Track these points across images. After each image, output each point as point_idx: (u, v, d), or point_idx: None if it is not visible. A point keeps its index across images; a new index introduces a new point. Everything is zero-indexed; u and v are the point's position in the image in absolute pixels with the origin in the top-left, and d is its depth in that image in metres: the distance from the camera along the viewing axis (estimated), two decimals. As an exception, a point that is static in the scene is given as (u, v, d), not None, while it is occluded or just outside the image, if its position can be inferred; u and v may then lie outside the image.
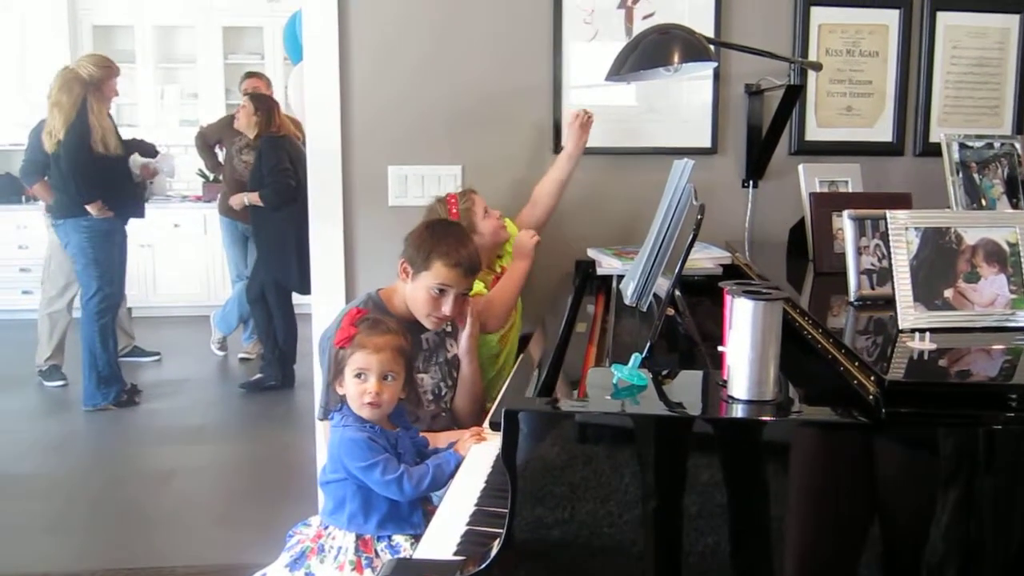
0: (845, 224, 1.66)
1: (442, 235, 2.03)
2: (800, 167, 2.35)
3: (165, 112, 6.71)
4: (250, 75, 5.24)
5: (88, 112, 4.14)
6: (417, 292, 2.01)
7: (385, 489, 1.70)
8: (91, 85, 4.17)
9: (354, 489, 1.74)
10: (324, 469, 1.82)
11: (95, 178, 4.21)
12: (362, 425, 1.74)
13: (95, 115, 4.17)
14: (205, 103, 6.57)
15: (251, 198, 4.55)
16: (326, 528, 1.79)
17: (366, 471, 1.70)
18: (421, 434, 1.90)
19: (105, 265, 4.38)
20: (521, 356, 2.36)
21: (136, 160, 4.70)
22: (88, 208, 4.23)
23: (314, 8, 2.54)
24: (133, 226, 4.68)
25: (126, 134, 4.87)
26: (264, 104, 4.53)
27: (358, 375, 1.74)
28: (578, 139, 2.44)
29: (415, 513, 1.77)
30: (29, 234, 6.15)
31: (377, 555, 1.74)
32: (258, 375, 4.81)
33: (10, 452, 3.87)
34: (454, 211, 2.33)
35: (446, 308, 1.99)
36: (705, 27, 2.47)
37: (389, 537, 1.76)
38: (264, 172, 4.46)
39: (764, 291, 1.21)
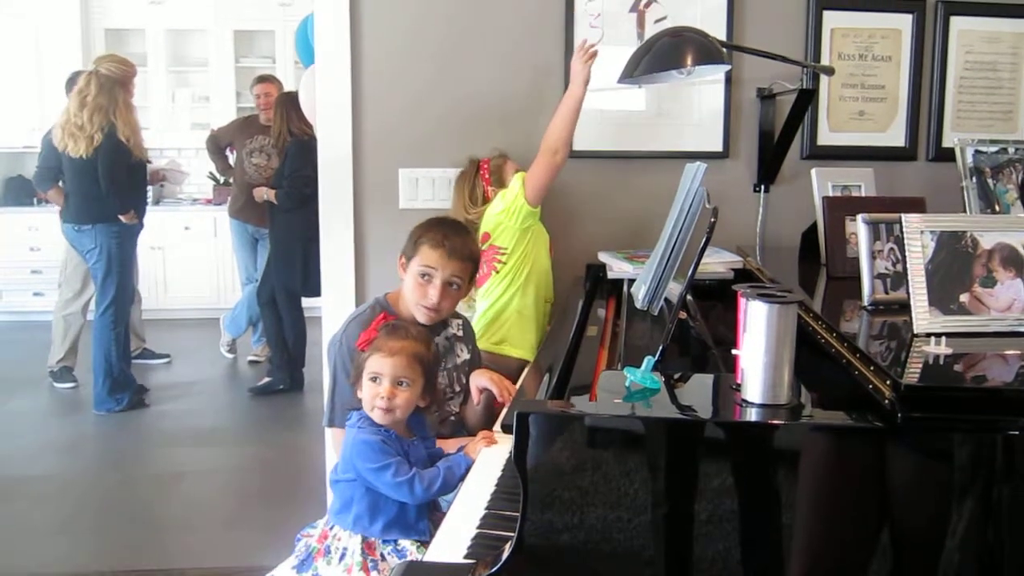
0: (859, 228, 1.65)
1: (435, 224, 2.05)
2: (813, 171, 2.34)
3: (176, 115, 6.74)
4: (261, 79, 5.25)
5: (127, 113, 4.16)
6: (408, 281, 2.01)
7: (396, 491, 1.70)
8: (125, 85, 4.19)
9: (363, 491, 1.74)
10: (335, 468, 1.82)
11: (130, 184, 4.23)
12: (376, 429, 1.74)
13: (133, 115, 4.20)
14: (216, 106, 6.59)
15: (270, 194, 4.61)
16: (332, 528, 1.78)
17: (377, 473, 1.69)
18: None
19: (128, 271, 4.40)
20: (530, 364, 2.36)
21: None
22: (121, 216, 4.24)
23: (326, 12, 2.54)
24: (143, 229, 4.69)
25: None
26: (293, 104, 4.51)
27: (373, 378, 1.75)
28: (581, 74, 2.29)
29: (421, 521, 1.76)
30: (41, 236, 6.18)
31: (383, 558, 1.74)
32: (266, 379, 4.81)
33: (21, 453, 3.88)
34: (486, 176, 2.45)
35: (432, 294, 1.97)
36: (717, 31, 2.45)
37: (395, 541, 1.76)
38: (285, 173, 4.52)
39: (779, 294, 1.21)
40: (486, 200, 2.45)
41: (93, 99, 4.11)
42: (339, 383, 1.97)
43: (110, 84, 4.14)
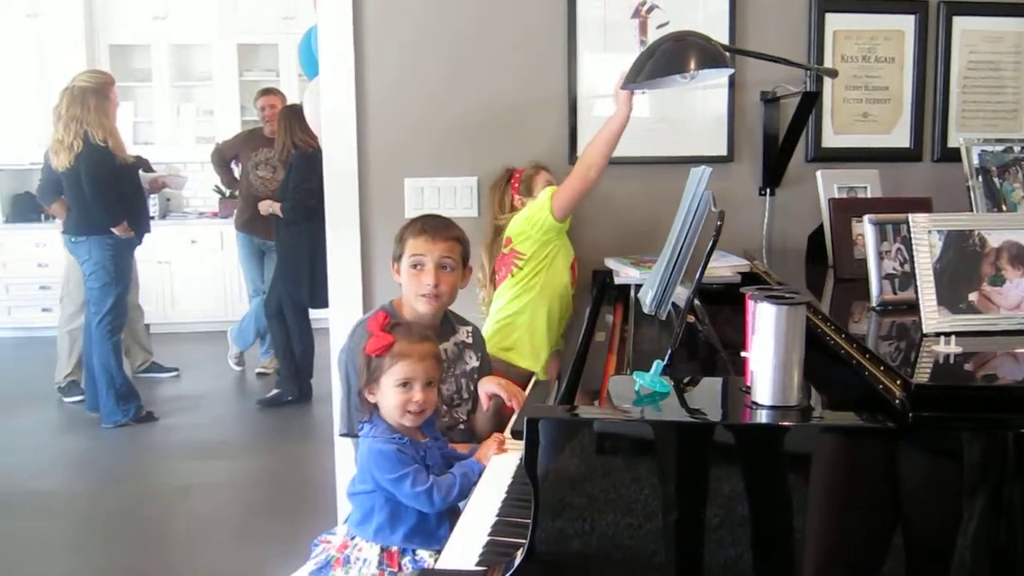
0: (866, 229, 1.65)
1: (413, 220, 2.09)
2: (819, 173, 2.34)
3: (181, 130, 6.76)
4: (265, 91, 5.28)
5: (100, 117, 4.17)
6: (404, 280, 2.03)
7: (415, 501, 1.69)
8: (99, 92, 4.20)
9: (382, 501, 1.73)
10: (353, 480, 1.81)
11: (118, 195, 4.24)
12: (391, 437, 1.73)
13: (108, 119, 4.21)
14: (221, 120, 6.61)
15: (275, 207, 4.62)
16: (352, 539, 1.78)
17: (396, 483, 1.69)
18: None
19: (123, 282, 4.40)
20: (536, 376, 2.36)
21: (144, 175, 4.74)
22: (114, 230, 4.25)
23: (329, 24, 2.55)
24: (150, 242, 4.71)
25: (143, 152, 4.90)
26: (297, 117, 4.51)
27: (403, 384, 1.73)
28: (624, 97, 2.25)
29: (442, 527, 1.75)
30: (48, 252, 6.20)
31: (401, 569, 1.73)
32: (275, 391, 4.82)
33: (29, 468, 3.88)
34: (516, 184, 2.50)
35: (427, 279, 1.98)
36: (720, 35, 2.46)
37: (414, 552, 1.75)
38: (289, 186, 4.53)
39: (786, 296, 1.20)
40: (514, 208, 2.49)
41: (67, 111, 4.16)
42: (353, 391, 1.96)
43: (82, 94, 4.17)
